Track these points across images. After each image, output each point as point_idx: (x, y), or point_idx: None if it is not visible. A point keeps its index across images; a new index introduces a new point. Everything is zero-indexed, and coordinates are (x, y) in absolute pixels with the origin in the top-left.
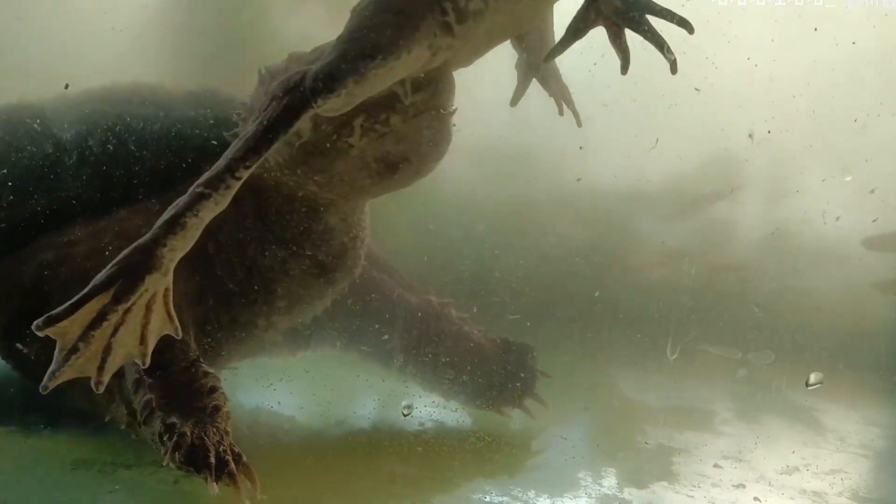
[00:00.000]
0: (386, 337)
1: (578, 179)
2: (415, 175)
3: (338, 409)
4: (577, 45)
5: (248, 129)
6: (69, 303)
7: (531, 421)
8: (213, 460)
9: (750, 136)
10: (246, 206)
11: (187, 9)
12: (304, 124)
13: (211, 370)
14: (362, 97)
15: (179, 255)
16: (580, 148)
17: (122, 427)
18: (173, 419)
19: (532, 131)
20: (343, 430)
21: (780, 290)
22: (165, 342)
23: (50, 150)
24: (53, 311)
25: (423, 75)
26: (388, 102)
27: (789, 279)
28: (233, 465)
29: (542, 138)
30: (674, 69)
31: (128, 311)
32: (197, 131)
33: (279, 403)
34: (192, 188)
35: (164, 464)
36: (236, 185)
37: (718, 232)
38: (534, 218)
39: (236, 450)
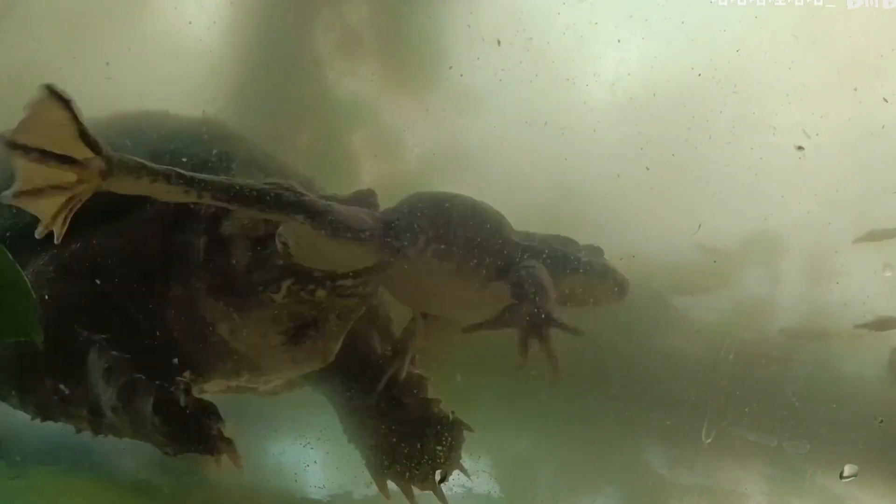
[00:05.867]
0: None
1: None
2: (317, 349)
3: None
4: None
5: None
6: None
7: (560, 490)
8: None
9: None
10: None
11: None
12: (241, 257)
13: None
14: (309, 254)
15: (118, 186)
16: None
17: (78, 430)
18: (159, 394)
19: (574, 199)
20: (373, 490)
21: (818, 378)
22: (121, 333)
23: None
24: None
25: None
26: (321, 278)
27: (827, 366)
28: (214, 430)
29: (584, 205)
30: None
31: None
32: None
33: (315, 462)
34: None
35: (163, 442)
36: (189, 195)
37: (756, 312)
38: None
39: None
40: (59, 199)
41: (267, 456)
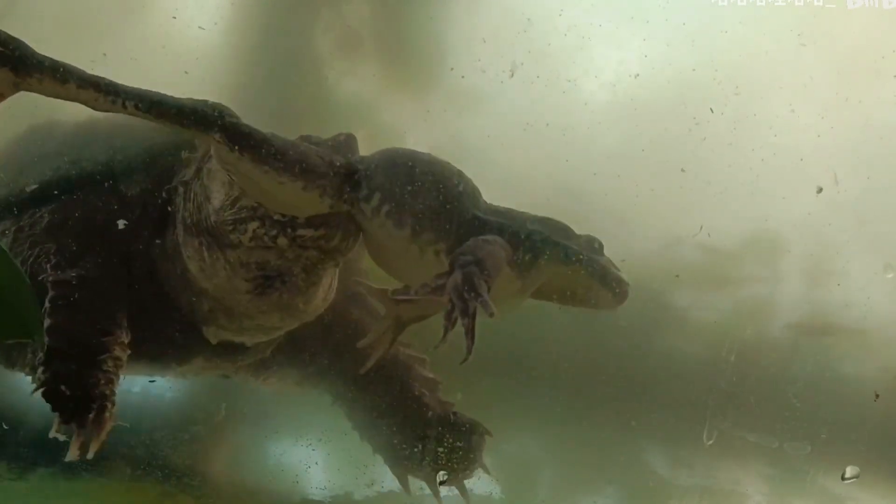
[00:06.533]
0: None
1: (623, 259)
2: (285, 303)
3: (372, 470)
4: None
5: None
6: None
7: (560, 490)
8: (71, 403)
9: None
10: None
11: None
12: (218, 195)
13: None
14: (247, 183)
15: (41, 88)
16: None
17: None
18: (62, 345)
19: (575, 200)
20: (374, 491)
21: (819, 379)
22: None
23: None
24: None
25: (322, 216)
26: (282, 221)
27: (827, 366)
28: (90, 415)
29: (585, 206)
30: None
31: None
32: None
33: (317, 464)
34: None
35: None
36: (115, 105)
37: (757, 312)
38: None
39: (109, 400)
40: None
41: (268, 457)
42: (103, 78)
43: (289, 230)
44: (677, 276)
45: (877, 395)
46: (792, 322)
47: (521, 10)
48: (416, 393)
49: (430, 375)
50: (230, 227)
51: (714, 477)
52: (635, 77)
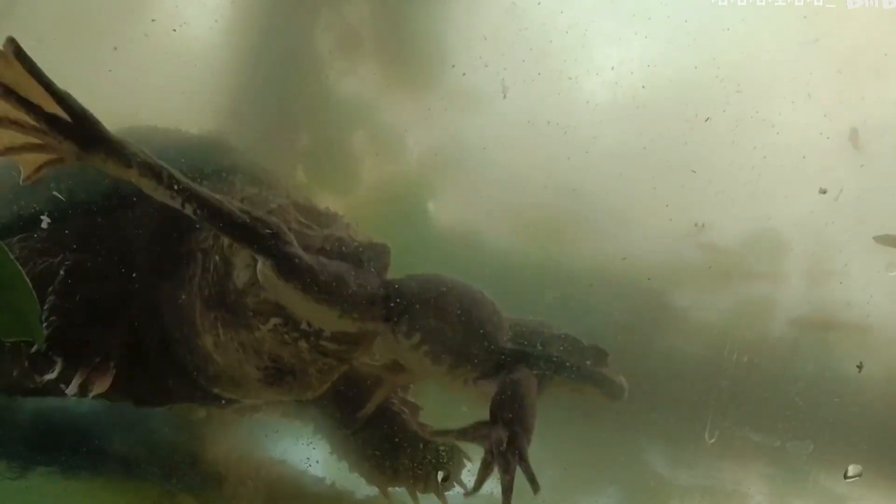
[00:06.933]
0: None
1: (624, 259)
2: (294, 394)
3: None
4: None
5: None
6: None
7: (562, 490)
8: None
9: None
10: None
11: (245, 58)
12: (241, 274)
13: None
14: (285, 301)
15: (104, 166)
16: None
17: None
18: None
19: (576, 200)
20: (374, 491)
21: (820, 378)
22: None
23: None
24: None
25: (349, 334)
26: (306, 331)
27: (828, 366)
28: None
29: (585, 206)
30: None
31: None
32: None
33: (318, 462)
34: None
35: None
36: (173, 201)
37: (759, 312)
38: (574, 294)
39: (111, 357)
40: (42, 157)
41: (270, 455)
42: (167, 168)
43: (312, 338)
44: (649, 279)
45: (860, 367)
46: (794, 318)
47: (522, 9)
48: (395, 409)
49: (412, 400)
50: (251, 313)
51: (715, 477)
52: (636, 75)
